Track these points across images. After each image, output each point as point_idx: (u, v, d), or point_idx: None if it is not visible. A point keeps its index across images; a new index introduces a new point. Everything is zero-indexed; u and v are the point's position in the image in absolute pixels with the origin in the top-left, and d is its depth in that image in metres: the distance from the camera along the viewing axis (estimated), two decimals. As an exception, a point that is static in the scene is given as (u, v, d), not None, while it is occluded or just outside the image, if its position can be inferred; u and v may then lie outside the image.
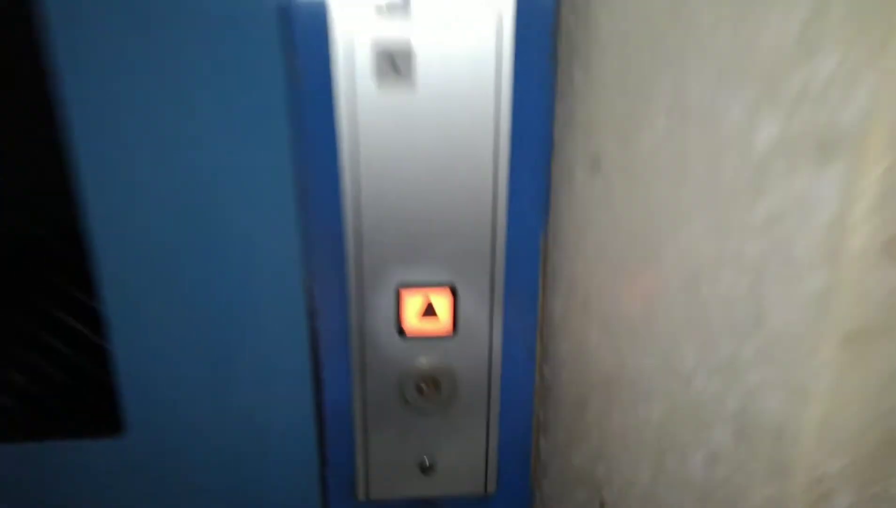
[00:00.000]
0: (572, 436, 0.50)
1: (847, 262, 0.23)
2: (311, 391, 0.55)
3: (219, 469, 0.57)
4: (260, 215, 0.50)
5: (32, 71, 0.45)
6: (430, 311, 0.52)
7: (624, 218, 0.39)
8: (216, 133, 0.47)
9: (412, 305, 0.52)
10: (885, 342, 0.24)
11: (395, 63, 0.45)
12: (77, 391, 0.55)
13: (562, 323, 0.51)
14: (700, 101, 0.30)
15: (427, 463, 0.56)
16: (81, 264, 0.51)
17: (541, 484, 0.58)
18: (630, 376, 0.39)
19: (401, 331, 0.52)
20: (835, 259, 0.23)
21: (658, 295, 0.35)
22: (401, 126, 0.47)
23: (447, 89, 0.46)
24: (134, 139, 0.47)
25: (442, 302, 0.52)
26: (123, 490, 0.57)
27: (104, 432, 0.57)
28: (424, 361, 0.54)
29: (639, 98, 0.36)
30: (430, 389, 0.54)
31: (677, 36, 0.32)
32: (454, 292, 0.52)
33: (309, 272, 0.51)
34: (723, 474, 0.30)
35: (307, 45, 0.45)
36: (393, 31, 0.44)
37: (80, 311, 0.53)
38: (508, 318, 0.53)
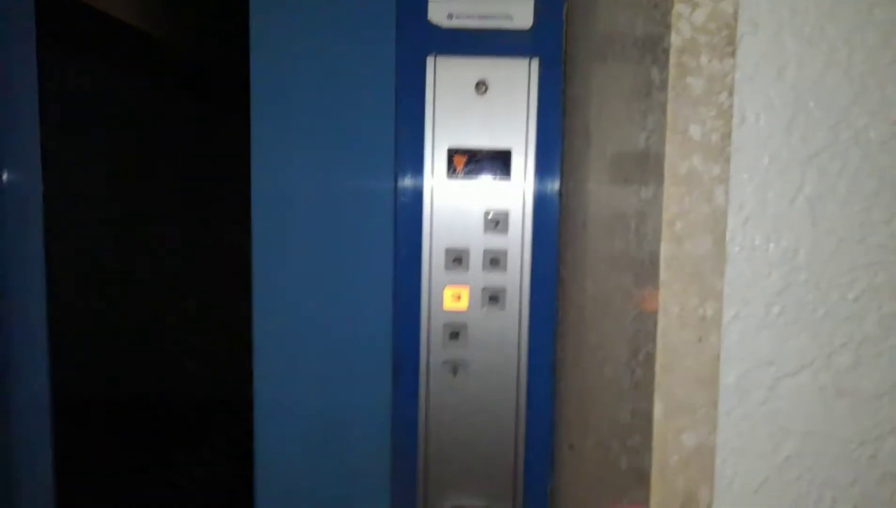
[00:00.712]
0: None
1: None
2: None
3: None
4: (365, 456, 0.79)
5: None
6: (470, 528, 0.78)
7: (589, 482, 0.65)
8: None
9: (459, 523, 0.78)
10: None
11: (455, 370, 0.75)
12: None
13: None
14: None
15: None
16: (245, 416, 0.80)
17: None
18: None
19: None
20: None
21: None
22: (457, 405, 0.76)
23: (488, 385, 0.76)
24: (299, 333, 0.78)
25: (479, 523, 0.78)
26: None
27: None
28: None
29: (584, 423, 0.64)
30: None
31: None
32: (488, 516, 0.78)
33: (392, 499, 0.79)
34: None
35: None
36: (455, 351, 0.75)
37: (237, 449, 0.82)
38: (524, 539, 0.78)
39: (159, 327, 0.87)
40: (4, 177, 0.79)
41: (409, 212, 0.73)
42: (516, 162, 0.71)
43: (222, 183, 0.86)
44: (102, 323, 0.85)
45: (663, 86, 0.45)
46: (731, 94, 0.45)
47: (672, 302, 0.46)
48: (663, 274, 0.46)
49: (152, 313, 0.86)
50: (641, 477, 0.50)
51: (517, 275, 0.72)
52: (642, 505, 0.50)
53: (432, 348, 0.75)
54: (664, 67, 0.45)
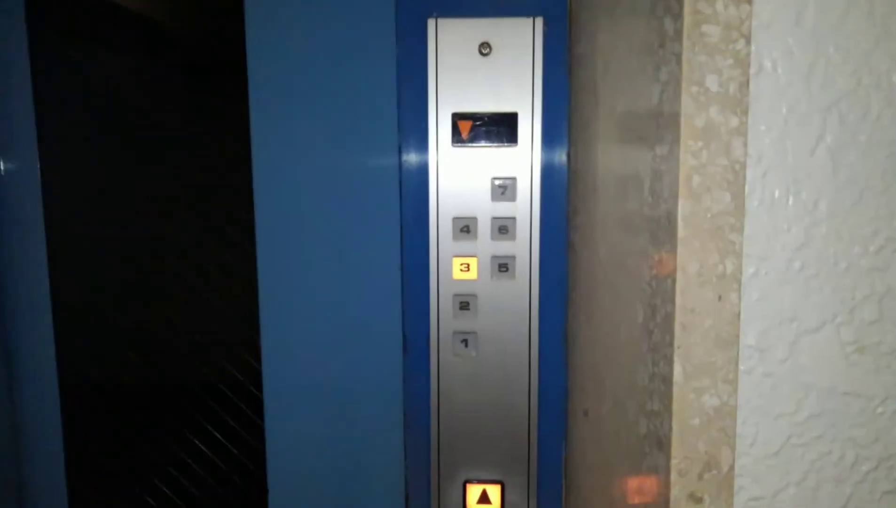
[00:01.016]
0: None
1: (672, 503, 0.48)
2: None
3: None
4: (377, 431, 0.78)
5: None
6: (485, 499, 0.77)
7: (605, 448, 0.64)
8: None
9: (473, 493, 0.77)
10: None
11: (466, 342, 0.74)
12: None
13: (574, 515, 0.75)
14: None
15: None
16: (254, 393, 0.80)
17: None
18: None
19: (465, 513, 0.78)
20: (667, 501, 0.48)
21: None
22: (469, 376, 0.75)
23: (499, 355, 0.75)
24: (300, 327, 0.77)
25: (494, 492, 0.77)
26: None
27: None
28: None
29: (599, 388, 0.63)
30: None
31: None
32: (503, 487, 0.77)
33: (406, 473, 0.78)
34: None
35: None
36: (466, 322, 0.74)
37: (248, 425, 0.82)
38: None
39: (166, 309, 0.86)
40: (2, 167, 0.77)
41: (414, 181, 0.72)
42: (523, 126, 0.69)
43: (224, 162, 0.85)
44: (107, 306, 0.84)
45: (677, 36, 0.44)
46: (748, 41, 0.43)
47: (691, 260, 0.45)
48: (681, 232, 0.45)
49: (158, 296, 0.85)
50: (661, 441, 0.49)
51: (526, 242, 0.71)
52: (662, 470, 0.49)
53: (442, 319, 0.74)
54: (678, 15, 0.43)
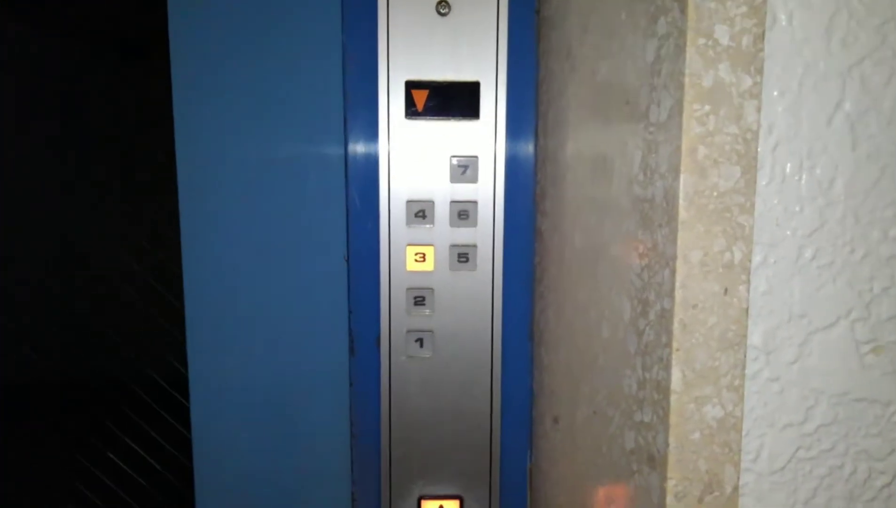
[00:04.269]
0: None
1: None
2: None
3: None
4: (321, 442, 0.69)
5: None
6: (442, 516, 0.70)
7: (579, 462, 0.57)
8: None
9: (430, 509, 0.69)
10: None
11: (422, 342, 0.66)
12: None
13: (541, 531, 0.68)
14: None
15: None
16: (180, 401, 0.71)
17: None
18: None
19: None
20: None
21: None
22: (424, 379, 0.67)
23: (458, 355, 0.67)
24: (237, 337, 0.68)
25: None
26: None
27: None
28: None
29: (572, 393, 0.56)
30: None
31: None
32: (462, 502, 0.70)
33: (354, 489, 0.70)
34: None
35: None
36: (421, 319, 0.66)
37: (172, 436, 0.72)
38: (503, 523, 0.70)
39: (76, 303, 0.75)
40: None
41: (362, 159, 0.63)
42: (486, 97, 0.61)
43: (146, 142, 0.74)
44: (19, 304, 0.73)
45: (681, -24, 0.36)
46: (764, -15, 0.36)
47: (694, 247, 0.38)
48: (683, 213, 0.37)
49: (66, 289, 0.74)
50: (653, 458, 0.42)
51: (489, 229, 0.63)
52: (656, 491, 0.42)
53: (394, 316, 0.66)
54: (683, -50, 0.36)
